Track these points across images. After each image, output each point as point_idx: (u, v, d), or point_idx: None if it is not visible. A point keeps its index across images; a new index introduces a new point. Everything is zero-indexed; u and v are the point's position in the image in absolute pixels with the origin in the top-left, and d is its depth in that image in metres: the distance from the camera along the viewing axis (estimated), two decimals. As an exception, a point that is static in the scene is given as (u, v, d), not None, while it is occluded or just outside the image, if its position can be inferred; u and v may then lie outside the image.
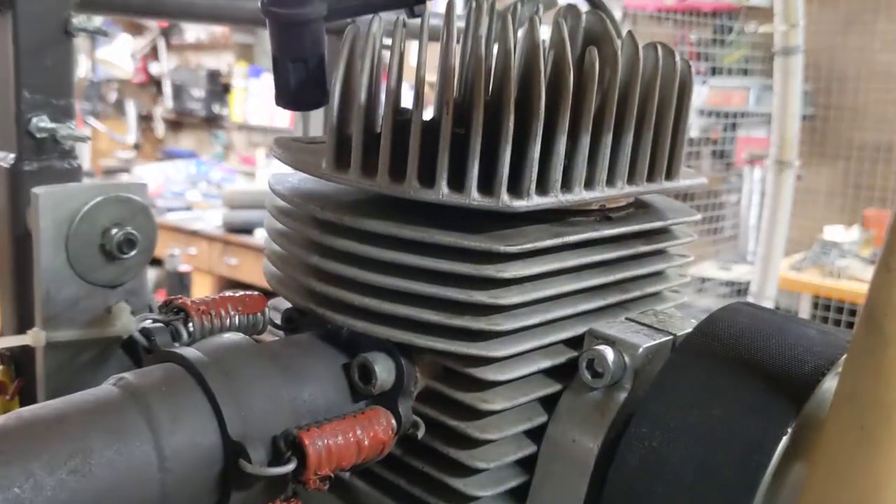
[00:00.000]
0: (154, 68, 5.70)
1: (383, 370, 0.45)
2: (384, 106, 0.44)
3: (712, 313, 0.47)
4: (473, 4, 0.52)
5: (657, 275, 0.54)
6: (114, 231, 0.58)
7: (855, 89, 3.38)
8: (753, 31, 2.90)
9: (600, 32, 0.47)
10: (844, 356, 0.40)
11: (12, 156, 0.64)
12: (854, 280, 2.97)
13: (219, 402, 0.40)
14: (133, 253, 0.59)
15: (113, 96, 5.80)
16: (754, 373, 0.42)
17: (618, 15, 3.60)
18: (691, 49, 3.82)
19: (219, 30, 5.48)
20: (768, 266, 1.71)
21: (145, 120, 5.85)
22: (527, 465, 0.47)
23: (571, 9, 0.49)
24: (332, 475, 0.41)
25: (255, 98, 5.55)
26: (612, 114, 0.45)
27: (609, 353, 0.45)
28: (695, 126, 3.73)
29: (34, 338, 0.57)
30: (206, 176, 5.30)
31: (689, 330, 0.47)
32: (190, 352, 0.41)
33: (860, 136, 3.39)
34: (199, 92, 5.58)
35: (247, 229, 4.13)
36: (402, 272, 0.44)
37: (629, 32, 0.51)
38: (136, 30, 5.39)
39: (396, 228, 0.44)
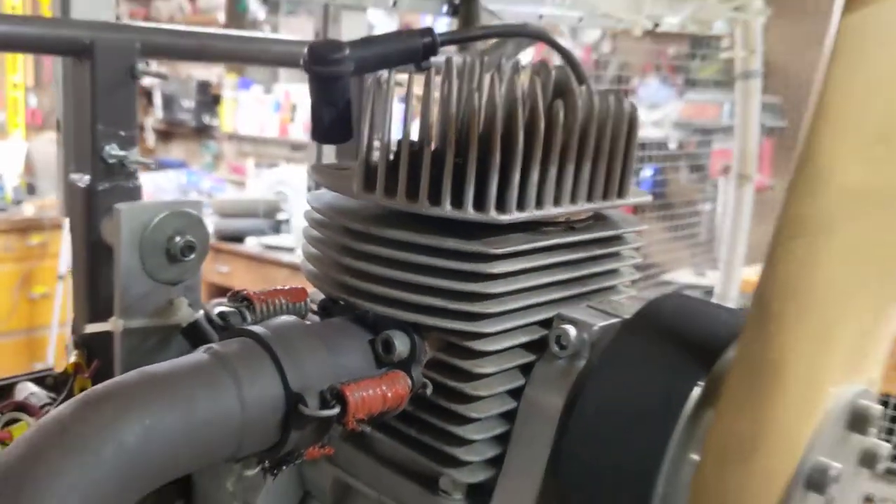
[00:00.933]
0: (145, 79, 5.79)
1: (401, 344, 0.59)
2: (401, 142, 0.58)
3: (651, 300, 0.61)
4: (468, 59, 0.66)
5: (612, 272, 0.68)
6: (177, 239, 0.72)
7: (823, 103, 3.53)
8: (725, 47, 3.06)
9: (565, 85, 0.62)
10: (743, 329, 0.54)
11: (88, 177, 0.77)
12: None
13: (282, 364, 0.54)
14: (192, 256, 0.73)
15: (103, 107, 5.89)
16: (679, 343, 0.57)
17: (598, 32, 3.77)
18: (669, 63, 4.00)
19: (209, 42, 5.59)
20: (731, 271, 1.86)
21: (136, 130, 5.93)
22: (509, 416, 0.61)
23: (544, 66, 0.64)
24: (365, 419, 0.55)
25: (244, 108, 5.66)
26: (573, 149, 0.59)
27: (571, 330, 0.59)
28: (672, 138, 3.90)
29: (114, 325, 0.71)
30: (196, 185, 5.39)
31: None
32: (258, 328, 0.56)
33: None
34: (189, 102, 5.68)
35: (238, 237, 4.21)
36: (414, 269, 0.59)
37: (587, 85, 0.65)
38: (128, 42, 5.49)
39: (410, 236, 0.58)
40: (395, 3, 1.13)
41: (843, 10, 0.48)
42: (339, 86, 0.63)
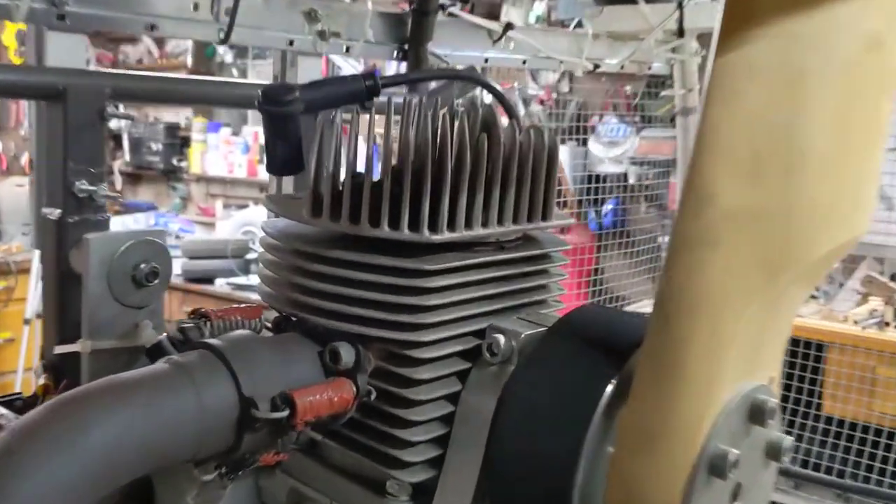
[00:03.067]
0: (112, 123, 5.82)
1: (346, 354, 0.65)
2: (344, 172, 0.65)
3: (569, 311, 0.68)
4: (409, 99, 0.73)
5: (540, 287, 0.75)
6: (142, 265, 0.78)
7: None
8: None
9: (491, 122, 0.69)
10: (649, 333, 0.61)
11: (59, 211, 0.83)
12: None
13: (236, 371, 0.60)
14: (156, 282, 0.79)
15: (71, 151, 5.89)
16: (593, 347, 0.64)
17: (557, 72, 3.90)
18: (627, 101, 4.14)
19: (177, 85, 5.64)
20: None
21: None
22: (448, 419, 0.67)
23: (473, 105, 0.72)
24: (313, 422, 0.61)
25: (213, 150, 5.70)
26: (498, 177, 0.67)
27: (501, 339, 0.66)
28: (631, 173, 4.03)
29: (83, 346, 0.76)
30: (164, 227, 5.41)
31: (557, 322, 0.68)
32: (215, 341, 0.62)
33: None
34: (157, 146, 5.73)
35: (207, 278, 4.24)
36: (357, 285, 0.65)
37: (516, 119, 0.73)
38: (96, 86, 5.53)
39: (353, 255, 0.65)
40: (347, 50, 1.21)
41: (717, 52, 0.56)
42: (290, 124, 0.70)
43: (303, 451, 0.74)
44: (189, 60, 5.42)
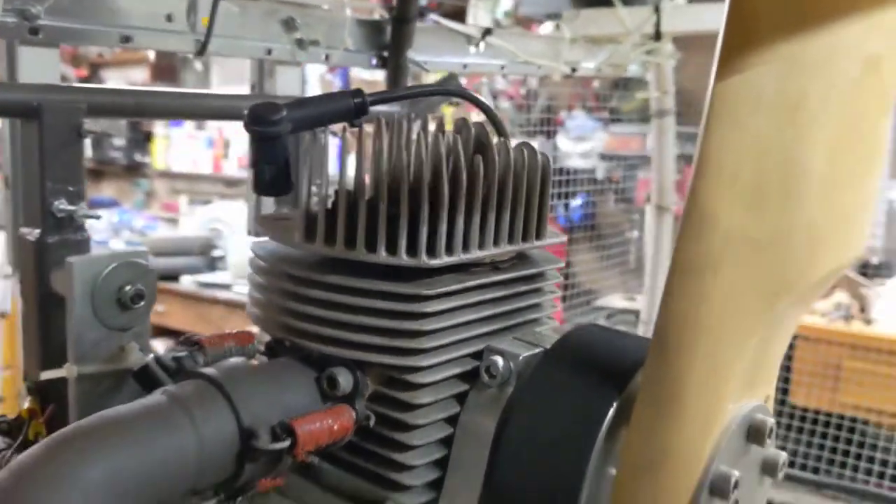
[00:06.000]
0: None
1: (344, 380, 0.64)
2: (338, 194, 0.64)
3: (568, 331, 0.68)
4: (396, 115, 0.72)
5: (535, 306, 0.75)
6: (127, 288, 0.76)
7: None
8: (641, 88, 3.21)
9: (484, 141, 0.69)
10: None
11: (38, 231, 0.81)
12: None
13: (235, 402, 0.58)
14: (141, 304, 0.77)
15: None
16: (594, 369, 0.64)
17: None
18: (595, 97, 4.16)
19: (139, 78, 5.57)
20: (655, 296, 1.97)
21: (64, 170, 5.82)
22: (447, 442, 0.67)
23: (465, 123, 0.71)
24: (313, 451, 0.60)
25: (177, 145, 5.62)
26: (493, 198, 0.66)
27: (499, 360, 0.66)
28: (599, 168, 4.05)
29: (68, 371, 0.74)
30: (128, 224, 5.32)
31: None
32: (210, 370, 0.60)
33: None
34: (119, 141, 5.62)
35: (172, 276, 4.16)
36: (354, 311, 0.64)
37: (506, 138, 0.73)
38: (55, 81, 5.41)
39: (350, 280, 0.64)
40: (326, 58, 1.19)
41: (716, 77, 0.56)
42: (277, 144, 0.69)
43: (299, 472, 0.73)
44: (152, 55, 5.32)
